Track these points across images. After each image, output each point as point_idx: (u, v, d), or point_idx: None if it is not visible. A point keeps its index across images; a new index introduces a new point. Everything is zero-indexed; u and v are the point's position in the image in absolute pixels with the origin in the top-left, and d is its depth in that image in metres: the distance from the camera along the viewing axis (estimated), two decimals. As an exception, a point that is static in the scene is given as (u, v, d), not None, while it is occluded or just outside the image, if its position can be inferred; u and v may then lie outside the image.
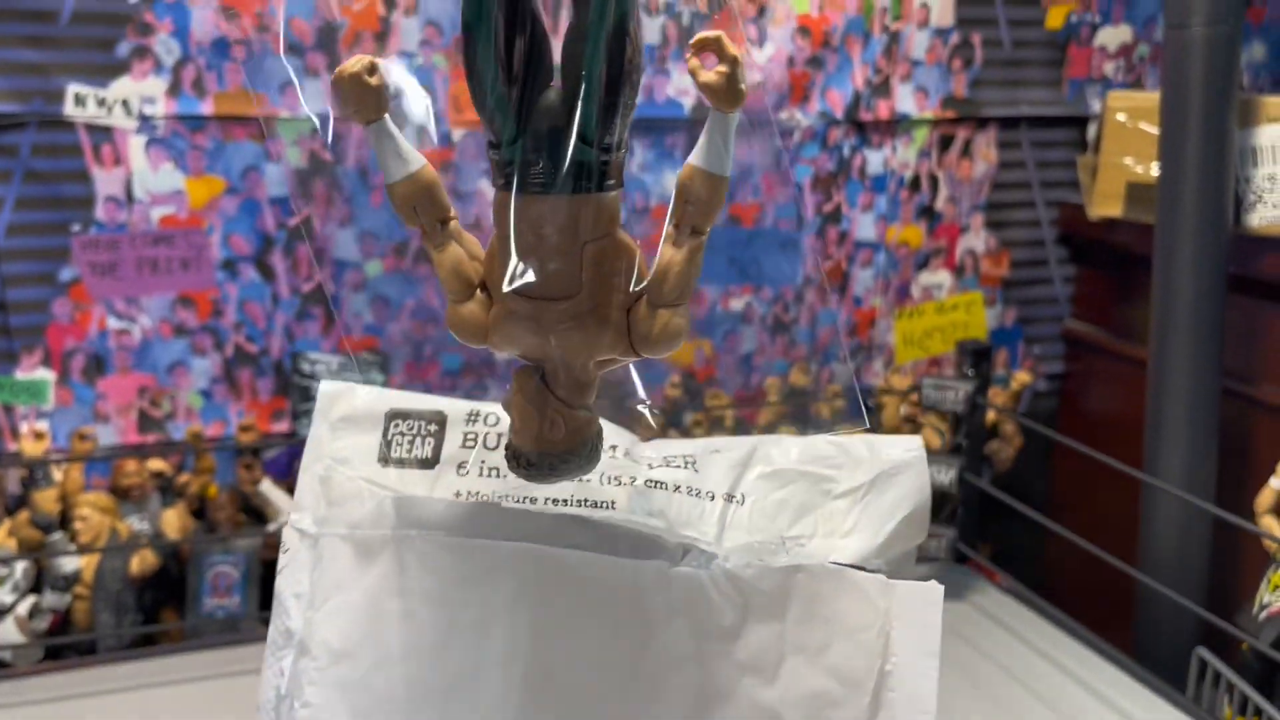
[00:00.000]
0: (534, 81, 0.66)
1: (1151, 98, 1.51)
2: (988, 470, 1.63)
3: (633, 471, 0.93)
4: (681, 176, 0.68)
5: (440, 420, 0.95)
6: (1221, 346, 1.39)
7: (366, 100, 0.67)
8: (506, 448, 0.75)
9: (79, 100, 1.43)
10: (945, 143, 1.80)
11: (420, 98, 0.72)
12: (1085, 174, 1.68)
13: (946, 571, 1.38)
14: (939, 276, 1.85)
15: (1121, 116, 1.61)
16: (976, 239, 1.85)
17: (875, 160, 1.77)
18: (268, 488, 1.48)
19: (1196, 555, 1.40)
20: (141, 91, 1.46)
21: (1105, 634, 1.26)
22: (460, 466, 0.93)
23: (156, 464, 1.48)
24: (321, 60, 1.49)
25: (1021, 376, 1.79)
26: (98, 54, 1.43)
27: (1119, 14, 1.84)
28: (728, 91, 0.65)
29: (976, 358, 1.41)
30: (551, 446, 0.72)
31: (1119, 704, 1.13)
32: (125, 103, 1.45)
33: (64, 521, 1.38)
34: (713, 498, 0.92)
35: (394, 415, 0.94)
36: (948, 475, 1.39)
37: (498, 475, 0.92)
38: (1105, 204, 1.64)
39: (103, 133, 1.45)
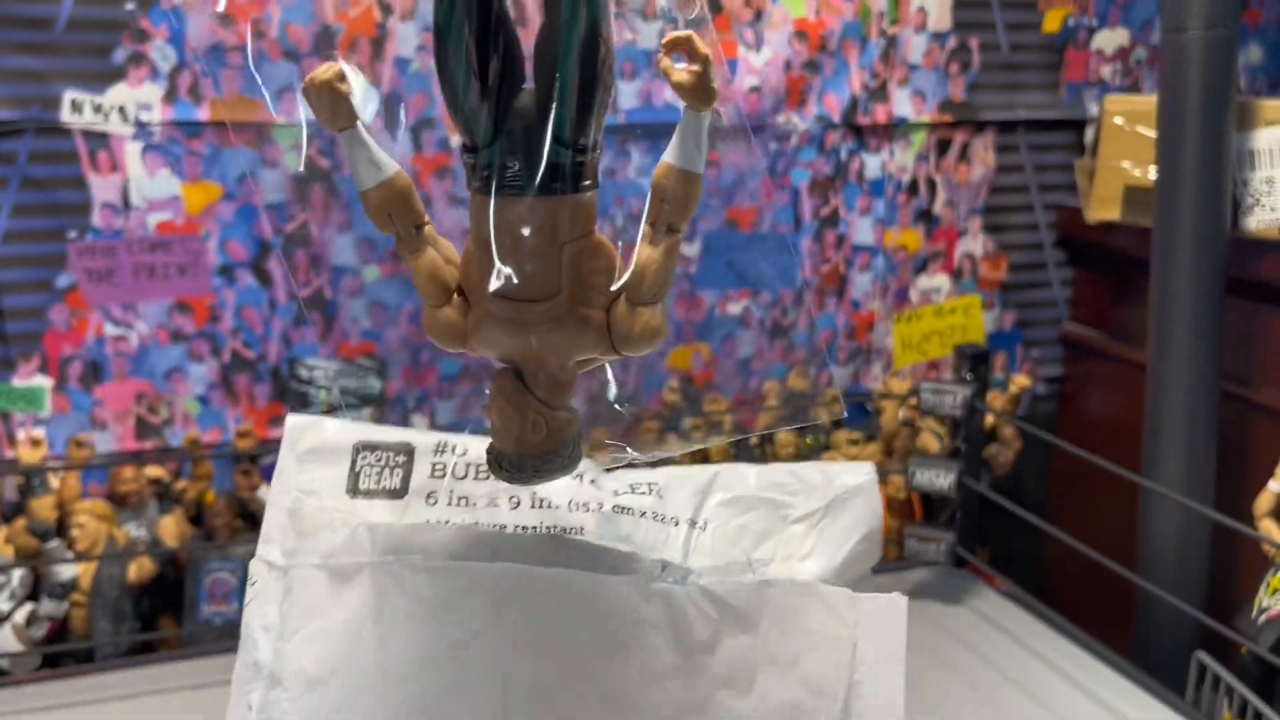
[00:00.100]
0: (508, 84, 0.67)
1: (1149, 101, 1.51)
2: (986, 474, 1.63)
3: (599, 498, 0.94)
4: (656, 175, 0.69)
5: (408, 451, 0.95)
6: (1220, 349, 1.39)
7: (338, 108, 0.67)
8: (488, 451, 0.75)
9: (75, 107, 1.43)
10: (943, 146, 1.80)
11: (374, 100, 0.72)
12: (1083, 177, 1.68)
13: (945, 575, 1.38)
14: (937, 280, 1.85)
15: (1119, 120, 1.61)
16: (974, 242, 1.85)
17: (873, 164, 1.77)
18: (265, 494, 1.48)
19: (1195, 559, 1.40)
20: (138, 98, 1.45)
21: (1104, 637, 1.25)
22: (429, 496, 0.93)
23: (154, 470, 1.48)
24: (319, 65, 1.48)
25: (1020, 380, 1.79)
26: (94, 60, 1.43)
27: (1116, 17, 1.84)
28: (700, 90, 0.66)
29: (975, 361, 1.41)
30: (533, 448, 0.72)
31: (1118, 707, 1.13)
32: (122, 109, 1.45)
33: (61, 529, 1.38)
34: (677, 523, 0.94)
35: (362, 447, 0.95)
36: (946, 479, 1.39)
37: (466, 504, 0.93)
38: (1103, 207, 1.64)
39: (99, 139, 1.45)
